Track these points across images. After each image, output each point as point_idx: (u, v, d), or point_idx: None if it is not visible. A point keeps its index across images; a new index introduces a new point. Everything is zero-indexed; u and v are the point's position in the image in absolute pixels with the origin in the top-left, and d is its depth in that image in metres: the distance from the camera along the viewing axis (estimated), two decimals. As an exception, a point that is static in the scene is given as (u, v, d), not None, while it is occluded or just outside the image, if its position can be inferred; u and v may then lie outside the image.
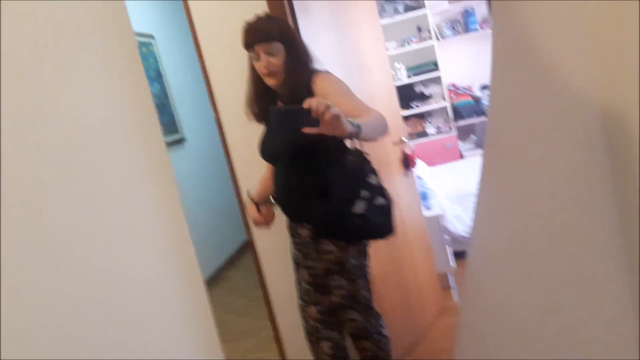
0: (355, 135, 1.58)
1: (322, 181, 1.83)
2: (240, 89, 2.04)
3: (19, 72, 0.91)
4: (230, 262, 4.98)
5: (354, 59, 2.62)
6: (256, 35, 1.83)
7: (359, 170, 1.87)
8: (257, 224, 2.10)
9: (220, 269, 4.77)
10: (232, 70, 2.38)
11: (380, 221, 1.88)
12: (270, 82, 1.86)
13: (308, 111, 1.46)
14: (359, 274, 1.97)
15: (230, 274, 4.80)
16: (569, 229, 1.00)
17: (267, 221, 2.10)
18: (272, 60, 1.82)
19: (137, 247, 1.13)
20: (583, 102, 0.99)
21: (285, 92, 1.89)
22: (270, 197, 2.08)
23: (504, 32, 1.01)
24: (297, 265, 2.03)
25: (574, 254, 0.99)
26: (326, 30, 2.46)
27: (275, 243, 2.44)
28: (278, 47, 1.82)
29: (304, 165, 1.87)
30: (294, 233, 2.03)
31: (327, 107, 1.45)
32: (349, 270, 1.93)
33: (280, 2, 2.20)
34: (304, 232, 1.96)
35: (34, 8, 0.97)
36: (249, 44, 1.85)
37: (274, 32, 1.83)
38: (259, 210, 2.08)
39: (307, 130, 1.50)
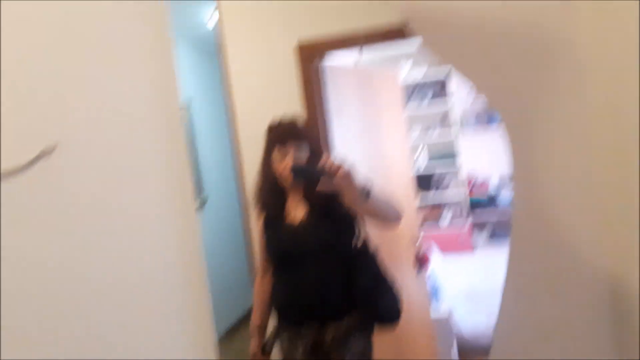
0: (366, 196, 1.73)
1: (354, 276, 1.90)
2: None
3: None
4: (232, 333, 4.96)
5: (378, 161, 2.74)
6: (289, 134, 1.92)
7: (377, 264, 1.98)
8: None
9: (227, 333, 4.76)
10: (261, 130, 2.50)
11: (398, 305, 1.97)
12: (289, 180, 1.91)
13: (322, 170, 1.67)
14: None
15: (236, 337, 4.78)
16: None
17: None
18: (299, 158, 1.88)
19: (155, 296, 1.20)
20: (592, 269, 1.05)
21: (303, 194, 1.95)
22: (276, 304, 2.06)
23: (524, 203, 1.10)
24: None
25: None
26: (356, 134, 2.59)
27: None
28: (306, 146, 1.92)
29: (330, 261, 1.90)
30: (298, 333, 1.97)
31: (340, 166, 1.65)
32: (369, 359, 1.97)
33: (318, 106, 2.35)
34: (331, 328, 1.91)
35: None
36: (281, 140, 1.91)
37: (304, 132, 1.95)
38: (264, 351, 2.09)
39: (322, 185, 1.68)
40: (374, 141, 2.75)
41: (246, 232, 2.63)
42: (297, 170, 1.80)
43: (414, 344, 2.82)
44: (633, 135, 1.00)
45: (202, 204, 4.68)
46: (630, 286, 1.02)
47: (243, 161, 2.61)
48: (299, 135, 1.92)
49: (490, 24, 1.20)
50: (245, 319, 5.05)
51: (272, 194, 1.99)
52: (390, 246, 2.41)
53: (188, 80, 4.73)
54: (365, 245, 1.98)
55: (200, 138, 4.75)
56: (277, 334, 2.04)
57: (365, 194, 1.72)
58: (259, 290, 2.13)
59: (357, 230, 1.97)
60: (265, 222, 2.02)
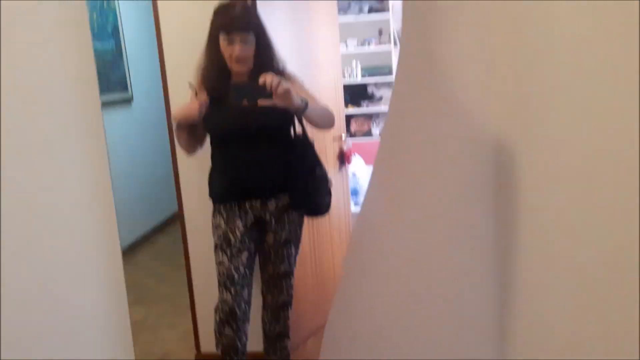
0: (303, 109, 1.90)
1: (293, 158, 2.08)
2: (191, 54, 2.12)
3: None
4: (161, 229, 5.01)
5: (307, 55, 2.74)
6: (237, 23, 1.95)
7: (313, 150, 2.16)
8: (191, 111, 1.99)
9: (150, 234, 4.80)
10: (185, 34, 2.44)
11: (328, 199, 2.18)
12: (236, 68, 2.00)
13: (264, 86, 1.79)
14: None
15: (159, 240, 4.84)
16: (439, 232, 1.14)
17: (202, 106, 1.99)
18: (246, 49, 1.96)
19: (60, 198, 1.18)
20: (477, 126, 1.12)
21: (247, 79, 2.01)
22: (218, 184, 2.16)
23: (412, 41, 1.16)
24: (242, 241, 2.10)
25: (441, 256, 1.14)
26: (283, 24, 2.56)
27: (203, 214, 2.53)
28: (252, 38, 1.98)
29: (273, 143, 2.07)
30: (240, 209, 2.10)
31: (279, 82, 1.78)
32: (299, 239, 2.21)
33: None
34: (272, 204, 2.10)
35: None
36: (227, 29, 1.95)
37: (252, 23, 1.98)
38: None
39: (262, 102, 1.80)
40: (304, 35, 2.73)
41: (171, 131, 2.60)
42: (236, 89, 1.88)
43: (331, 234, 2.97)
44: (532, 39, 1.05)
45: (128, 101, 4.54)
46: (517, 160, 1.08)
47: (166, 59, 2.53)
48: (245, 27, 1.96)
49: None
50: (172, 220, 5.09)
51: (218, 76, 2.04)
52: (315, 140, 2.47)
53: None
54: (303, 136, 2.14)
55: (129, 35, 4.51)
56: (214, 215, 2.14)
57: (303, 107, 1.90)
58: None
59: (294, 119, 2.12)
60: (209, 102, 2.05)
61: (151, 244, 4.71)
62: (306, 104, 1.91)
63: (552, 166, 0.99)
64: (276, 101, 1.81)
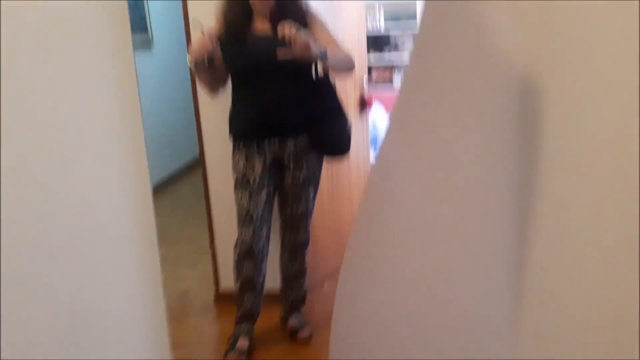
0: (322, 60, 1.92)
1: (315, 99, 2.10)
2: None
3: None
4: (181, 174, 5.08)
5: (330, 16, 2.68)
6: None
7: (334, 91, 2.17)
8: (203, 46, 1.97)
9: (171, 178, 4.87)
10: None
11: (348, 141, 2.21)
12: (258, 5, 2.01)
13: (282, 41, 1.83)
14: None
15: (180, 185, 4.91)
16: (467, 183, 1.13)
17: (211, 39, 1.98)
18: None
19: (89, 138, 1.19)
20: (503, 63, 1.09)
21: (269, 17, 1.99)
22: (238, 122, 2.17)
23: None
24: (260, 180, 2.13)
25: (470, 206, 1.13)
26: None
27: (224, 159, 2.55)
28: None
29: (295, 82, 2.07)
30: (259, 148, 2.12)
31: (299, 35, 1.80)
32: (318, 181, 2.23)
33: None
34: (290, 144, 2.11)
35: None
36: None
37: None
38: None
39: (281, 54, 1.84)
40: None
41: (192, 75, 2.58)
42: (259, 40, 1.94)
43: (350, 182, 2.99)
44: None
45: (148, 44, 4.51)
46: (537, 86, 1.05)
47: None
48: None
49: None
50: (193, 165, 5.14)
51: (239, 12, 2.05)
52: (337, 86, 2.45)
53: None
54: (325, 76, 2.14)
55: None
56: (234, 153, 2.16)
57: (323, 57, 1.92)
58: None
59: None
60: (227, 37, 2.05)
61: (173, 188, 4.79)
62: (325, 55, 1.93)
63: (579, 105, 0.97)
64: (295, 54, 1.85)
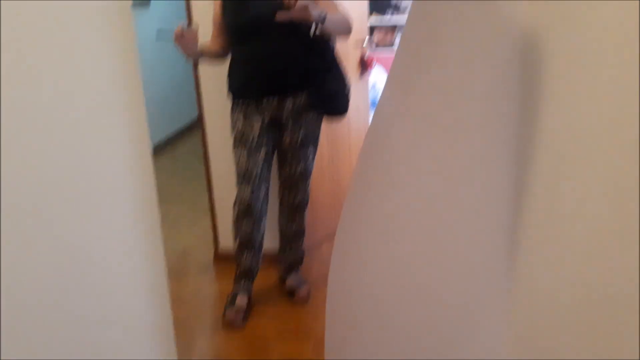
0: (321, 22, 1.90)
1: (313, 58, 2.09)
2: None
3: None
4: (182, 135, 5.06)
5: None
6: None
7: (332, 50, 2.16)
8: (189, 52, 2.03)
9: (171, 139, 4.85)
10: None
11: (347, 100, 2.21)
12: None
13: (281, 3, 1.83)
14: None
15: (180, 145, 4.90)
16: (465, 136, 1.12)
17: (188, 42, 2.00)
18: None
19: (89, 98, 1.18)
20: (505, 24, 1.07)
21: None
22: (236, 79, 2.16)
23: None
24: (258, 138, 2.13)
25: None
26: None
27: (223, 120, 2.54)
28: None
29: (293, 40, 2.05)
30: (258, 106, 2.12)
31: None
32: (317, 141, 2.23)
33: None
34: (289, 103, 2.10)
35: None
36: None
37: None
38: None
39: (280, 16, 1.83)
40: None
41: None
42: (256, 2, 1.92)
43: (349, 143, 2.98)
44: None
45: (146, 1, 4.42)
46: (539, 50, 1.04)
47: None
48: None
49: None
50: (192, 127, 5.12)
51: None
52: (337, 47, 2.41)
53: None
54: (323, 35, 2.11)
55: None
56: (232, 111, 2.15)
57: (321, 21, 1.91)
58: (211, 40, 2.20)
59: None
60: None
61: (172, 148, 4.79)
62: (324, 19, 1.92)
63: (583, 73, 0.95)
64: (294, 16, 1.85)
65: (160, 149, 4.63)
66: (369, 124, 3.14)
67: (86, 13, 1.16)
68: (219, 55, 2.16)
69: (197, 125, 2.87)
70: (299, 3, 1.82)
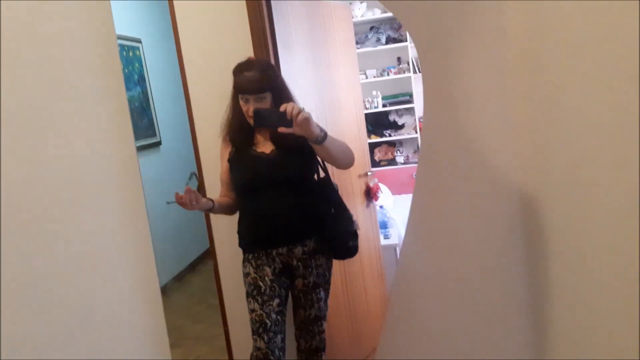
0: (322, 139, 1.92)
1: (317, 204, 2.12)
2: (218, 100, 2.20)
3: None
4: (193, 267, 5.08)
5: (328, 96, 2.79)
6: (250, 88, 2.01)
7: (336, 193, 2.19)
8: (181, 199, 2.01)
9: (182, 273, 4.86)
10: (211, 80, 2.52)
11: (355, 241, 2.22)
12: (252, 122, 2.04)
13: (284, 114, 1.84)
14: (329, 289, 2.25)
15: (192, 279, 4.90)
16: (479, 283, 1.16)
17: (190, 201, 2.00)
18: (259, 105, 2.01)
19: (97, 240, 1.22)
20: (505, 183, 1.14)
21: (270, 137, 2.09)
22: (245, 234, 2.21)
23: (434, 87, 1.18)
24: (270, 286, 2.13)
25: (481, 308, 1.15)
26: (305, 68, 2.63)
27: (235, 253, 2.57)
28: (268, 95, 2.03)
29: (296, 190, 2.10)
30: (268, 257, 2.15)
31: (299, 111, 1.83)
32: (329, 283, 2.22)
33: (264, 36, 2.36)
34: (298, 250, 2.13)
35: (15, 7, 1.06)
36: (241, 91, 2.03)
37: (266, 85, 2.01)
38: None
39: (282, 129, 1.85)
40: (324, 76, 2.79)
41: (200, 171, 2.67)
42: (258, 115, 1.92)
43: (362, 269, 2.98)
44: (554, 77, 1.07)
45: (157, 144, 4.66)
46: (540, 203, 1.09)
47: (192, 101, 2.61)
48: (259, 90, 2.01)
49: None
50: (202, 258, 5.15)
51: (240, 129, 2.12)
52: (341, 180, 2.50)
53: (141, 18, 4.60)
54: (326, 178, 2.18)
55: (155, 82, 4.67)
56: (244, 264, 2.17)
57: (322, 138, 1.92)
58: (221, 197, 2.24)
59: (317, 164, 2.17)
60: (234, 155, 2.15)
61: (184, 283, 4.77)
62: (325, 134, 1.93)
63: (575, 210, 0.99)
64: (296, 129, 1.85)
65: (172, 285, 4.62)
66: (380, 248, 3.12)
67: (95, 162, 1.24)
68: (230, 209, 2.23)
69: (207, 257, 2.88)
70: (300, 115, 1.83)
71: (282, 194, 2.08)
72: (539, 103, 1.07)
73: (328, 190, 2.18)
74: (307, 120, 1.85)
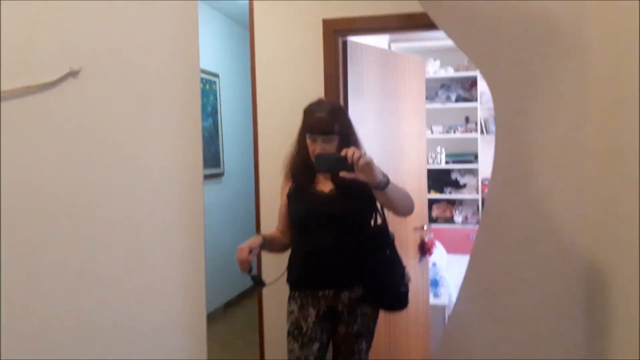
0: (384, 185, 1.89)
1: (371, 249, 2.08)
2: (284, 137, 2.25)
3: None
4: (237, 301, 5.09)
5: (392, 145, 2.80)
6: (319, 127, 2.04)
7: (391, 242, 2.14)
8: (242, 262, 1.95)
9: (226, 305, 4.88)
10: (280, 117, 2.59)
11: (405, 294, 2.15)
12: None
13: (345, 158, 1.82)
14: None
15: (235, 312, 4.90)
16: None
17: (248, 263, 1.97)
18: (327, 147, 2.03)
19: (152, 255, 1.27)
20: (571, 247, 1.09)
21: (331, 177, 2.10)
22: (295, 270, 2.18)
23: (507, 143, 1.15)
24: (313, 330, 2.09)
25: None
26: (372, 115, 2.66)
27: (280, 291, 2.56)
28: (335, 137, 2.05)
29: (351, 232, 2.08)
30: (314, 298, 2.11)
31: (361, 155, 1.81)
32: (372, 335, 2.16)
33: (336, 80, 2.42)
34: (345, 295, 2.08)
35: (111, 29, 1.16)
36: (310, 131, 2.06)
37: (335, 128, 2.04)
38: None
39: (344, 173, 1.84)
40: (390, 125, 2.80)
41: (258, 206, 2.72)
42: (319, 160, 1.94)
43: (407, 326, 2.88)
44: (633, 135, 1.04)
45: (220, 175, 4.80)
46: (607, 278, 1.04)
47: (260, 136, 2.69)
48: (327, 131, 2.04)
49: (502, 11, 1.24)
50: (247, 293, 5.16)
51: (303, 166, 2.14)
52: (397, 230, 2.47)
53: (220, 53, 4.83)
54: (383, 225, 2.15)
55: (226, 115, 4.85)
56: (289, 301, 2.16)
57: (384, 184, 1.89)
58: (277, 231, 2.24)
59: (376, 210, 2.14)
60: (293, 190, 2.17)
61: (227, 316, 4.78)
62: (387, 180, 1.91)
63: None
64: (358, 174, 1.84)
65: (216, 316, 4.64)
66: (429, 306, 3.04)
67: (165, 180, 1.28)
68: (282, 246, 2.23)
69: (252, 293, 2.88)
70: (361, 160, 1.80)
71: (337, 234, 2.06)
72: (612, 162, 1.03)
73: (384, 237, 2.14)
74: (369, 165, 1.83)
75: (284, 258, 2.30)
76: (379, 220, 2.16)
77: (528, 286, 1.18)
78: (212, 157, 4.64)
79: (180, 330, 1.35)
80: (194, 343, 1.40)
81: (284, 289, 2.29)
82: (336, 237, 2.06)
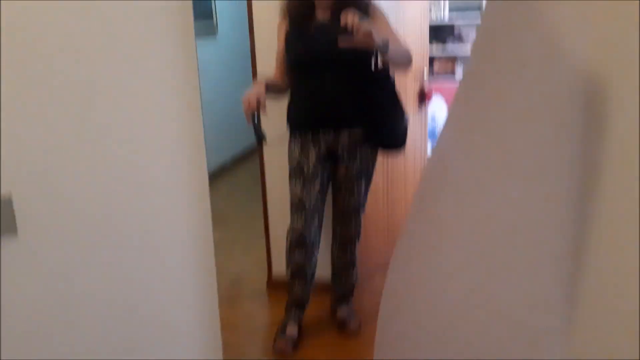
0: (383, 49, 1.87)
1: (371, 91, 2.08)
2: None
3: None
4: (240, 159, 5.19)
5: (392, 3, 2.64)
6: None
7: (392, 85, 2.14)
8: (251, 105, 1.97)
9: (229, 164, 4.98)
10: None
11: (404, 135, 2.19)
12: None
13: (345, 27, 1.79)
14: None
15: (238, 170, 5.02)
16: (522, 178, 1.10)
17: (259, 104, 1.99)
18: None
19: (150, 123, 1.24)
20: (568, 61, 1.04)
21: (331, 8, 1.99)
22: (295, 111, 2.19)
23: None
24: (314, 170, 2.15)
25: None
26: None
27: (281, 147, 2.59)
28: None
29: (352, 74, 2.06)
30: (314, 139, 2.14)
31: (361, 23, 1.77)
32: (371, 175, 2.23)
33: None
34: (344, 136, 2.11)
35: None
36: None
37: None
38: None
39: (343, 42, 1.81)
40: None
41: (254, 63, 2.63)
42: (319, 30, 1.92)
43: (405, 175, 2.96)
44: None
45: (213, 33, 4.61)
46: (603, 88, 1.01)
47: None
48: None
49: None
50: (251, 152, 5.24)
51: (301, 5, 2.08)
52: (396, 79, 2.42)
53: None
54: (385, 69, 2.12)
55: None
56: (290, 143, 2.18)
57: (384, 49, 1.88)
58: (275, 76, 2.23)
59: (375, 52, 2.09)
60: (291, 32, 2.11)
61: (230, 173, 4.90)
62: (387, 46, 1.89)
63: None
64: (357, 42, 1.82)
65: (218, 173, 4.75)
66: (427, 155, 3.13)
67: (151, 42, 1.23)
68: (281, 90, 2.21)
69: (256, 150, 2.92)
70: (362, 28, 1.79)
71: (339, 75, 2.05)
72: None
73: (385, 80, 2.12)
74: (369, 33, 1.80)
75: (283, 102, 2.29)
76: (380, 62, 2.12)
77: (518, 110, 1.14)
78: (202, 9, 4.42)
79: (183, 192, 1.35)
80: (197, 202, 1.41)
81: (286, 139, 2.31)
82: (336, 77, 2.05)
